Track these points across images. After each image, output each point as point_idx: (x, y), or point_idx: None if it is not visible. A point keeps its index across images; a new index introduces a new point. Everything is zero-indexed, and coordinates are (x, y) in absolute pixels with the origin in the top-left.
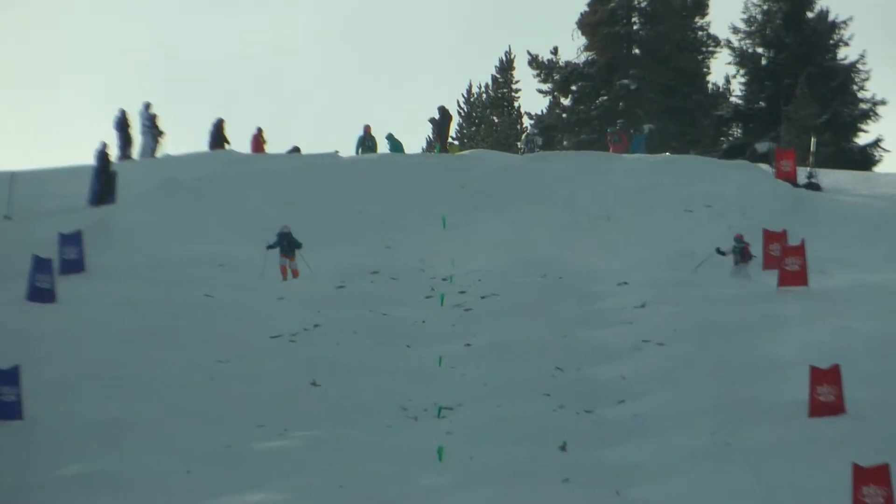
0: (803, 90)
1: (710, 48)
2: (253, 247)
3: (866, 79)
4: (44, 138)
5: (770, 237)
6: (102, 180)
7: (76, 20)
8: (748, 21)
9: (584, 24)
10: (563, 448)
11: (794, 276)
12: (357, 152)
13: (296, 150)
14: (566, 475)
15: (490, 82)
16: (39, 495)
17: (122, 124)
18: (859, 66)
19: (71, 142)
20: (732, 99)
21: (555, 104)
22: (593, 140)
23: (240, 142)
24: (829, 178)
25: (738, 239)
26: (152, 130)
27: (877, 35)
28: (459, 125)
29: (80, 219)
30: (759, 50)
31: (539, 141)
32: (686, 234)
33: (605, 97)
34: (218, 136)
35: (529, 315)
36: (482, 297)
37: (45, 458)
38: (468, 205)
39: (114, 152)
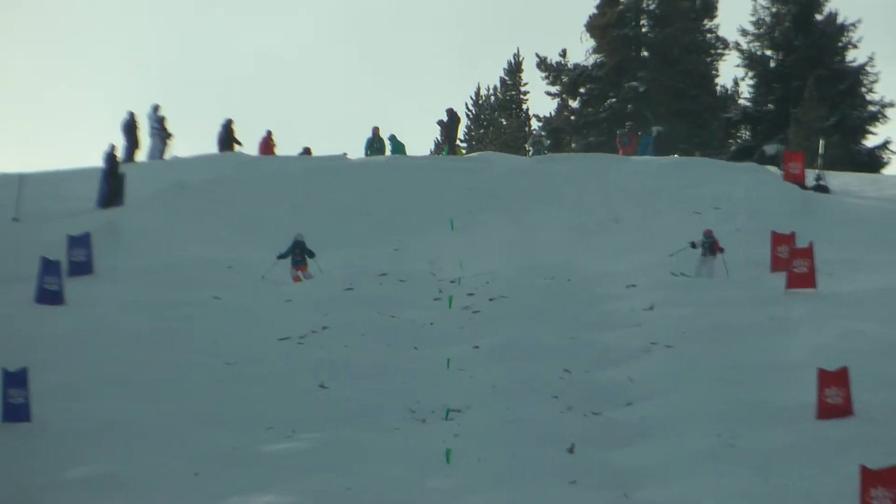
0: (812, 92)
1: (719, 50)
2: (262, 249)
3: (875, 81)
4: (52, 140)
5: (778, 239)
6: (111, 182)
7: (84, 21)
8: (757, 23)
9: (593, 26)
10: (570, 450)
11: (803, 279)
12: (366, 154)
13: (307, 151)
14: (574, 477)
15: (498, 84)
16: (47, 497)
17: (131, 126)
18: (868, 69)
19: (79, 144)
20: (741, 101)
21: (563, 106)
22: (601, 142)
23: (249, 144)
24: (838, 180)
25: (707, 234)
26: (161, 133)
27: (885, 38)
28: (468, 127)
29: (88, 221)
30: (768, 52)
31: (546, 142)
32: (695, 237)
33: (614, 99)
34: (227, 137)
35: (537, 317)
36: (490, 300)
37: (53, 460)
38: (476, 207)
39: (121, 155)
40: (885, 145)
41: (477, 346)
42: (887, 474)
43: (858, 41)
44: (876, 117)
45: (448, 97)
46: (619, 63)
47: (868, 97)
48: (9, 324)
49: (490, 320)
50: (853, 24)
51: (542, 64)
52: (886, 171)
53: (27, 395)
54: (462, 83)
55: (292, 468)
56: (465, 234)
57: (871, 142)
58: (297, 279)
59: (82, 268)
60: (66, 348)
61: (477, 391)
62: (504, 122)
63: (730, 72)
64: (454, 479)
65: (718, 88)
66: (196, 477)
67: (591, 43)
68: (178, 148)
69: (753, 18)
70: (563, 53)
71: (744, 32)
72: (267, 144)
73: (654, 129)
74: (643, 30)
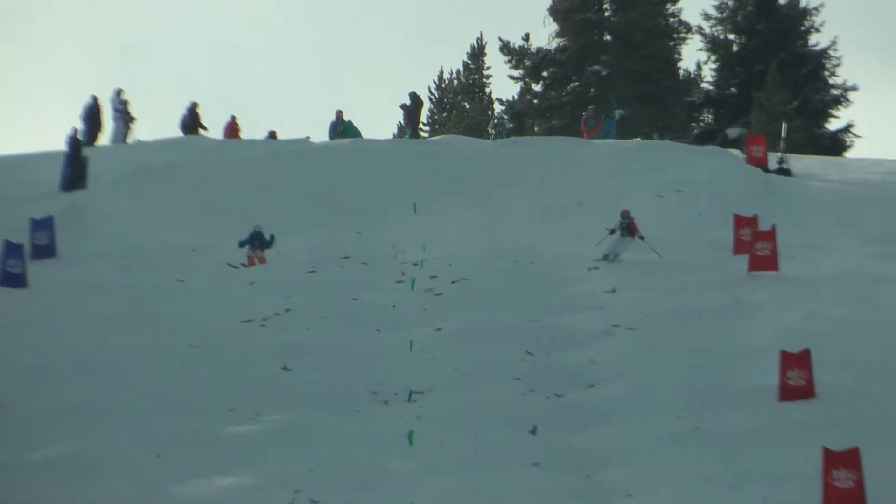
0: (774, 76)
1: (682, 35)
2: (226, 233)
3: (837, 65)
4: (14, 124)
5: (741, 222)
6: (74, 166)
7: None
8: (720, 7)
9: (556, 10)
10: (533, 432)
11: (765, 261)
12: (330, 138)
13: (272, 135)
14: (536, 459)
15: (461, 68)
16: (11, 480)
17: (94, 110)
18: (830, 53)
19: (42, 127)
20: (704, 85)
21: (526, 90)
22: (564, 126)
23: (214, 128)
24: (800, 163)
25: (625, 215)
26: (124, 116)
27: (848, 21)
28: (431, 111)
29: (51, 204)
30: (731, 36)
31: (509, 125)
32: (657, 220)
33: (577, 83)
34: (192, 122)
35: (500, 300)
36: (453, 282)
37: (16, 443)
38: (439, 190)
39: (84, 138)
40: (847, 129)
41: (439, 329)
42: (849, 456)
43: (821, 25)
44: (839, 101)
45: (411, 81)
46: (581, 47)
47: (831, 81)
48: None
49: (453, 303)
50: (815, 9)
51: (505, 48)
52: (849, 154)
53: None
54: (425, 67)
55: (255, 450)
56: (428, 218)
57: (833, 125)
58: (251, 260)
59: (45, 251)
60: (29, 331)
61: (439, 373)
62: (467, 106)
63: (693, 56)
64: (417, 461)
65: (681, 72)
66: (159, 459)
67: (553, 27)
68: (141, 132)
69: (716, 2)
70: (526, 37)
71: (706, 16)
72: (232, 129)
73: (617, 113)
74: (606, 14)
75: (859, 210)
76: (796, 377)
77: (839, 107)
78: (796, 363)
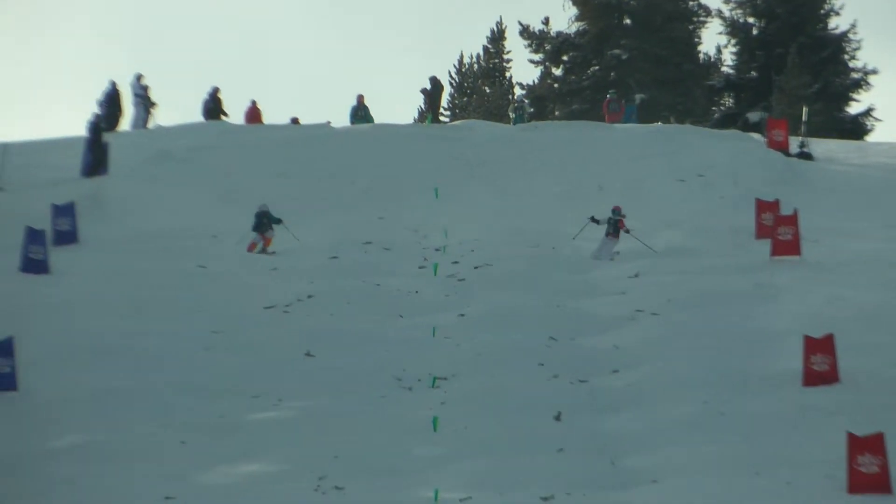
0: (794, 60)
1: (702, 18)
2: (246, 218)
3: (857, 48)
4: (36, 110)
5: (763, 206)
6: (94, 151)
7: None
8: None
9: None
10: (557, 418)
11: (787, 246)
12: (351, 122)
13: (295, 121)
14: (560, 445)
15: (482, 53)
16: (34, 466)
17: (114, 96)
18: (850, 36)
19: (63, 113)
20: (724, 69)
21: (546, 74)
22: (585, 110)
23: (235, 114)
24: (821, 147)
25: (616, 210)
26: (144, 101)
27: (868, 4)
28: (451, 95)
29: (72, 190)
30: (751, 20)
31: (530, 109)
32: (678, 204)
33: (597, 67)
34: (214, 107)
35: (523, 285)
36: (475, 268)
37: (39, 429)
38: (461, 175)
39: (105, 124)
40: (868, 112)
41: (462, 314)
42: (874, 441)
43: (841, 8)
44: (859, 84)
45: (431, 65)
46: (601, 31)
47: (851, 64)
48: None
49: (475, 288)
50: None
51: (525, 32)
52: (870, 137)
53: (13, 364)
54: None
55: (279, 437)
56: (450, 202)
57: (854, 109)
58: (253, 246)
59: (67, 237)
60: (51, 317)
61: (463, 359)
62: (487, 91)
63: (713, 39)
64: (441, 447)
65: (701, 56)
66: (183, 446)
67: (573, 11)
68: (162, 117)
69: None
70: (546, 21)
71: (726, 0)
72: (253, 113)
73: (637, 97)
74: None
75: (880, 193)
76: (820, 362)
77: (859, 90)
78: (819, 348)
